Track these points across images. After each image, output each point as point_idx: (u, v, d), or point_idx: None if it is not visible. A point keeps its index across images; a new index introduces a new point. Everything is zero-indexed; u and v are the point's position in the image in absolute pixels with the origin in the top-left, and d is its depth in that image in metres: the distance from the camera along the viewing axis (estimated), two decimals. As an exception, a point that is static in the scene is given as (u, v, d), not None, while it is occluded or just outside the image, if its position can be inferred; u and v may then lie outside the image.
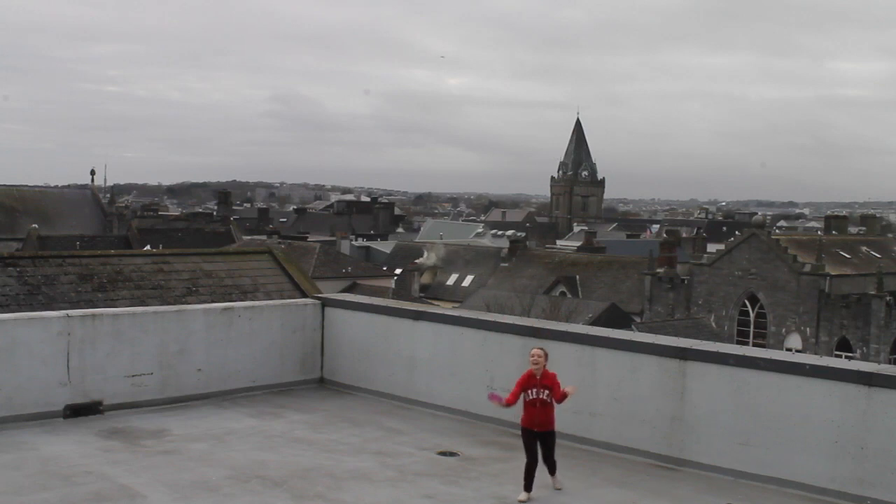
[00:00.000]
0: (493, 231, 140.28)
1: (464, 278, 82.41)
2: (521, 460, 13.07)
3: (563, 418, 13.87)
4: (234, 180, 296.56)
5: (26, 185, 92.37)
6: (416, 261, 79.93)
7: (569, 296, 71.73)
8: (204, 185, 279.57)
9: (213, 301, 19.51)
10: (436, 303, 54.97)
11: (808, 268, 65.69)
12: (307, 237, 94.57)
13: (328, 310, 17.53)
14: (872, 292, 64.00)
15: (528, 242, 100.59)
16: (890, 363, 55.42)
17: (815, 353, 57.04)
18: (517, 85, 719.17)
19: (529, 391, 11.27)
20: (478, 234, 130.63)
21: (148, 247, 55.41)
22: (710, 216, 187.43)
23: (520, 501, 10.98)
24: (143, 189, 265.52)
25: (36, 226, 69.86)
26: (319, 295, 18.95)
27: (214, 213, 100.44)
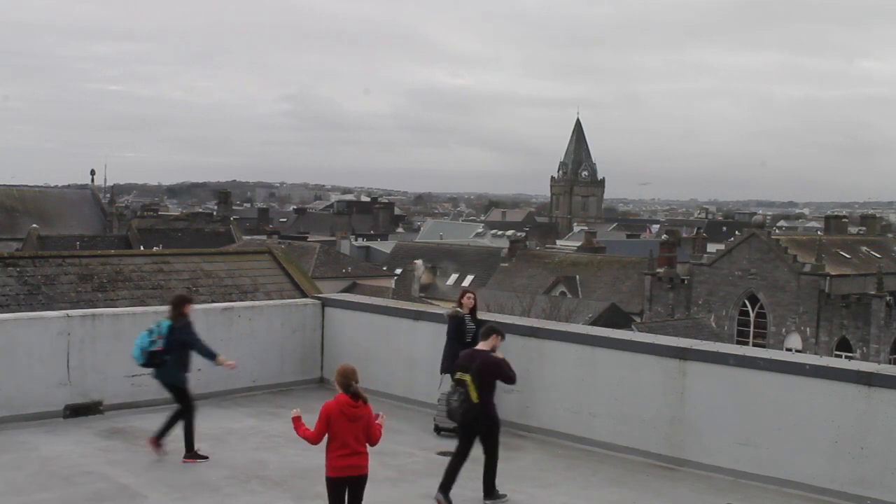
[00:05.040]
0: (493, 231, 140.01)
1: (464, 278, 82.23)
2: (523, 460, 13.10)
3: (564, 418, 13.91)
4: (234, 180, 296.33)
5: (26, 185, 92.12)
6: (415, 261, 79.80)
7: (569, 296, 71.64)
8: (204, 185, 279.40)
9: (213, 301, 19.51)
10: (436, 303, 54.88)
11: (808, 268, 65.62)
12: (307, 237, 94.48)
13: (328, 310, 17.54)
14: (872, 292, 63.92)
15: (528, 242, 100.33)
16: (890, 363, 55.40)
17: (815, 353, 57.03)
18: (537, 84, 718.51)
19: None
20: (478, 234, 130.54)
21: (141, 247, 55.29)
22: (709, 216, 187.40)
23: None
24: (143, 189, 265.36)
25: (36, 226, 69.67)
26: (319, 295, 18.96)
27: (214, 213, 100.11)
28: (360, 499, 9.18)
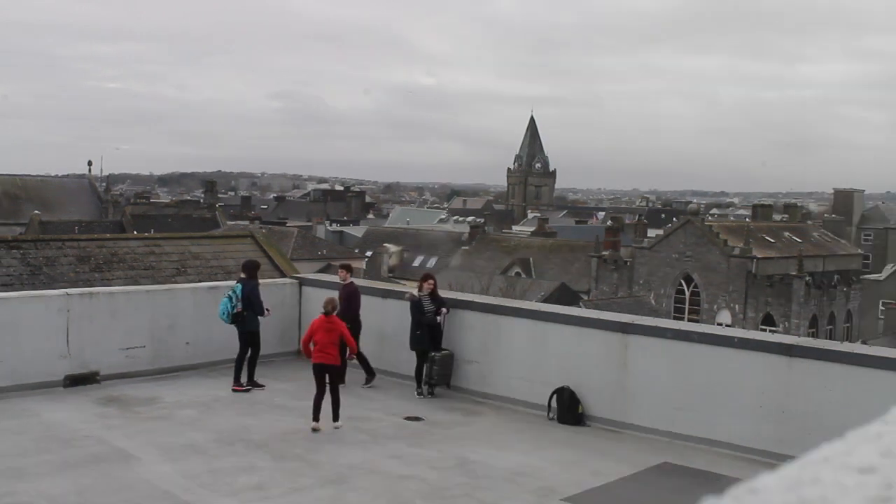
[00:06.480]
0: (455, 217, 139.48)
1: (428, 260, 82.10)
2: (481, 424, 13.19)
3: (518, 386, 13.99)
4: (220, 171, 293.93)
5: (29, 175, 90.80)
6: (386, 245, 79.63)
7: (523, 276, 71.79)
8: (192, 175, 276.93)
9: (200, 281, 19.38)
10: (402, 283, 54.84)
11: (737, 251, 66.18)
12: (286, 222, 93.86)
13: (305, 288, 17.51)
14: (794, 273, 64.67)
15: (486, 228, 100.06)
16: (808, 336, 56.03)
17: (743, 328, 57.55)
18: (503, 83, 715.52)
19: None
20: (441, 220, 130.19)
21: (134, 232, 54.65)
22: (650, 204, 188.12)
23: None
24: (136, 178, 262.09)
25: (38, 212, 68.67)
26: (297, 275, 18.91)
27: (201, 201, 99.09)
28: (336, 381, 12.65)
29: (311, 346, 12.68)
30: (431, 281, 14.96)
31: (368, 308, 16.14)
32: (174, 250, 22.59)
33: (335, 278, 16.80)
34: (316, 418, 12.25)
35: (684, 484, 10.71)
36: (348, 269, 15.99)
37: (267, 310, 15.06)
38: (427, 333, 14.55)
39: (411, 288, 16.19)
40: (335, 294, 14.70)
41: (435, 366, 14.47)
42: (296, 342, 16.97)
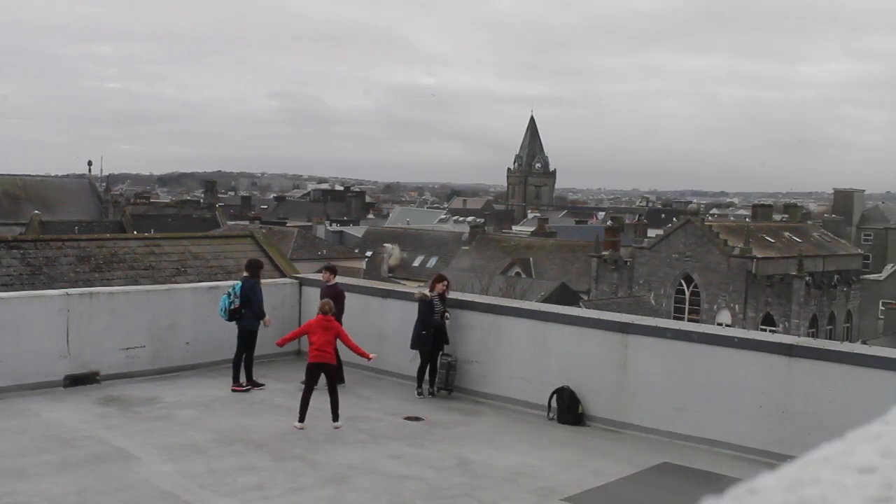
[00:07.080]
0: (455, 217, 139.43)
1: (428, 260, 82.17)
2: (481, 424, 13.18)
3: (519, 387, 13.98)
4: (220, 171, 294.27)
5: (29, 175, 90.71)
6: (385, 245, 79.60)
7: (523, 276, 71.79)
8: (192, 175, 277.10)
9: (200, 281, 19.37)
10: (403, 283, 54.82)
11: (737, 251, 66.20)
12: (286, 222, 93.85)
13: (305, 288, 17.51)
14: (794, 273, 64.67)
15: (486, 228, 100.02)
16: (808, 336, 56.01)
17: (743, 328, 57.52)
18: (503, 83, 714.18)
19: None
20: (441, 220, 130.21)
21: (134, 232, 54.60)
22: (650, 204, 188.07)
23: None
24: (136, 178, 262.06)
25: (38, 212, 68.53)
26: (297, 275, 18.90)
27: (201, 201, 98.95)
28: (333, 380, 12.72)
29: (304, 346, 12.98)
30: (445, 282, 14.98)
31: (368, 308, 16.15)
32: (174, 250, 22.59)
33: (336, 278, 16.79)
34: (302, 418, 12.34)
35: (684, 484, 10.71)
36: (332, 270, 15.96)
37: (266, 320, 15.04)
38: (432, 334, 14.56)
39: (412, 288, 16.20)
40: (317, 296, 14.81)
41: (451, 371, 14.56)
42: (296, 342, 16.97)
